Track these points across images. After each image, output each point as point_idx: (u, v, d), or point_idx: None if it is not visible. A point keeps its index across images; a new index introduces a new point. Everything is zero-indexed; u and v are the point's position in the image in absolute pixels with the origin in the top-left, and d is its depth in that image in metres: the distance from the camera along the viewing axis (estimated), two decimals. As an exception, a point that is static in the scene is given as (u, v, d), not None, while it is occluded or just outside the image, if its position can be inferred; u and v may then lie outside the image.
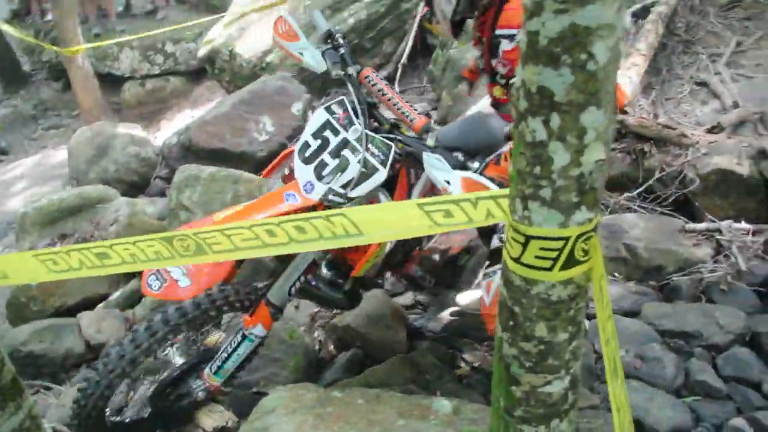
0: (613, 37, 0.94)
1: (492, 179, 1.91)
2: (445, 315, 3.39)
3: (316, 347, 3.15)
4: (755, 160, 3.52)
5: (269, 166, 2.53)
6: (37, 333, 3.53)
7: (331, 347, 3.15)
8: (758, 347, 2.86)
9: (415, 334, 3.28)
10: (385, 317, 3.17)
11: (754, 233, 3.38)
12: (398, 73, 6.62)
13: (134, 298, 3.93)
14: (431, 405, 2.06)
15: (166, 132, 7.43)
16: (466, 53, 5.70)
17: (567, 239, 1.06)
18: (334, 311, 3.36)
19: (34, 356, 3.45)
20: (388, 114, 2.36)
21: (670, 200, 3.63)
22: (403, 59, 6.64)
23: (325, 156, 2.17)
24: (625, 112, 4.25)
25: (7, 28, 8.16)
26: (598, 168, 1.02)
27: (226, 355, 2.43)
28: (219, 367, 2.45)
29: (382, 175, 2.14)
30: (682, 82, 5.49)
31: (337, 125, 2.19)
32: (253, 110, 5.62)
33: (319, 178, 2.15)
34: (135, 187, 5.83)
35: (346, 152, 2.15)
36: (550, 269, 1.10)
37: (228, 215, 2.16)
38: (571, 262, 1.09)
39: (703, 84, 5.35)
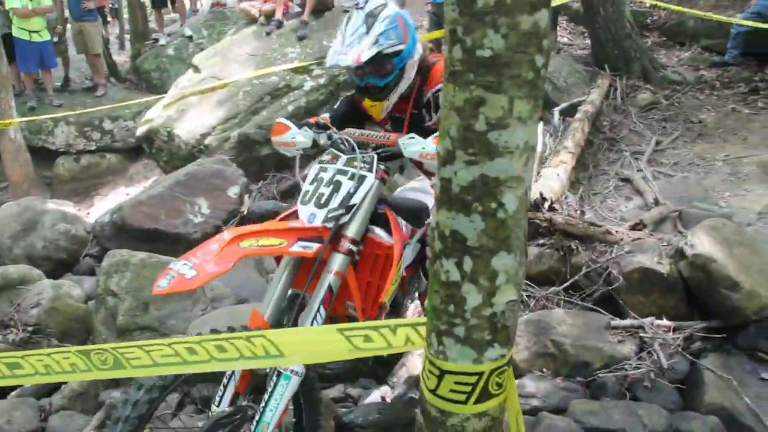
0: (522, 187, 1.00)
1: None
2: (374, 408, 3.35)
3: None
4: (674, 260, 3.68)
5: None
6: (-60, 429, 3.31)
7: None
8: (679, 447, 2.93)
9: (343, 429, 3.21)
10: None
11: (674, 330, 3.50)
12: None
13: (51, 386, 3.74)
14: None
15: (100, 208, 7.27)
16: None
17: (481, 374, 1.09)
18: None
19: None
20: None
21: (595, 296, 3.74)
22: (342, 145, 6.74)
23: (322, 188, 2.41)
24: (553, 209, 4.43)
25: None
26: (510, 308, 1.06)
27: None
28: None
29: (371, 179, 2.41)
30: (607, 178, 5.78)
31: (327, 165, 2.46)
32: (189, 192, 5.59)
33: (320, 207, 2.35)
34: (63, 265, 5.64)
35: (338, 177, 2.41)
36: (464, 402, 1.12)
37: (243, 232, 2.11)
38: (485, 395, 1.11)
39: (627, 180, 5.64)
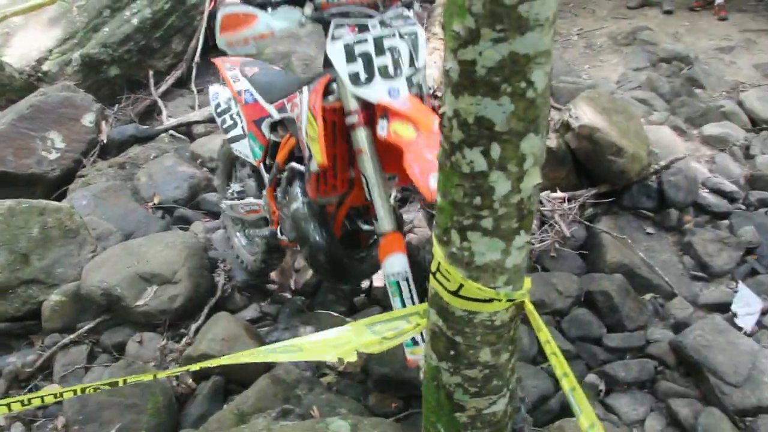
0: (550, 63, 0.93)
1: None
2: (298, 321, 3.31)
3: (173, 383, 2.90)
4: (560, 133, 3.83)
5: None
6: None
7: (190, 380, 2.92)
8: (592, 304, 3.16)
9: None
10: (241, 337, 3.00)
11: (569, 200, 3.70)
12: (193, 73, 6.30)
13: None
14: (328, 428, 1.98)
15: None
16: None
17: (508, 265, 1.05)
18: (184, 341, 3.11)
19: None
20: None
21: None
22: (196, 57, 6.32)
23: (379, 60, 2.06)
24: (437, 97, 4.41)
25: None
26: (536, 192, 1.01)
27: None
28: None
29: (421, 30, 2.18)
30: (475, 62, 5.82)
31: (360, 37, 2.06)
32: (37, 126, 5.01)
33: (390, 77, 2.05)
34: None
35: (386, 43, 2.07)
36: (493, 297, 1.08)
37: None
38: (512, 286, 1.08)
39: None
